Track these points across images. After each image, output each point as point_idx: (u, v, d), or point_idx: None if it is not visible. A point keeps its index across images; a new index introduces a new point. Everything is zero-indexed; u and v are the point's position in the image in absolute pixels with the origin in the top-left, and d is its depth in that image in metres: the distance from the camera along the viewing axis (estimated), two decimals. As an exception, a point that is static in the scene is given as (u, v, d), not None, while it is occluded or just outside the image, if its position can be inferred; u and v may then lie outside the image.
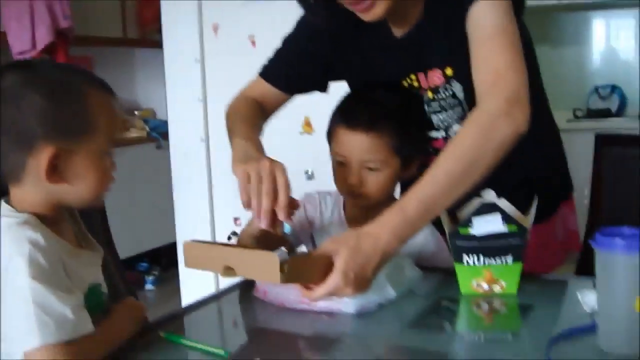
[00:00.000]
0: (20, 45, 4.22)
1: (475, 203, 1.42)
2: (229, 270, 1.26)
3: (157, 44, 3.84)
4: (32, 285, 1.08)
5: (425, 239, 1.64)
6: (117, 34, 5.30)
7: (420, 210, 1.32)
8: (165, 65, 3.55)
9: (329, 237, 1.41)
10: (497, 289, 1.42)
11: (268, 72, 1.88)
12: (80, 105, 1.18)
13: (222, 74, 3.38)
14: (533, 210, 1.46)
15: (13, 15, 4.22)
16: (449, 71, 1.62)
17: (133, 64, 5.67)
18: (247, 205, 1.41)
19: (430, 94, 1.67)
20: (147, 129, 5.13)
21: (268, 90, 1.86)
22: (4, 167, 1.20)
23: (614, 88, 5.27)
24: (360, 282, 1.28)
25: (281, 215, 1.38)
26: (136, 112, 5.31)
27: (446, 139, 1.69)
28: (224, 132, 3.38)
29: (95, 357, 1.14)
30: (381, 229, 1.31)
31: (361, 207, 1.69)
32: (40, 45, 4.26)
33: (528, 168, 1.72)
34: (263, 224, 1.38)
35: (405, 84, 1.70)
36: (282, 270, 1.19)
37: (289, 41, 1.86)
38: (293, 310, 1.40)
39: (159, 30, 3.73)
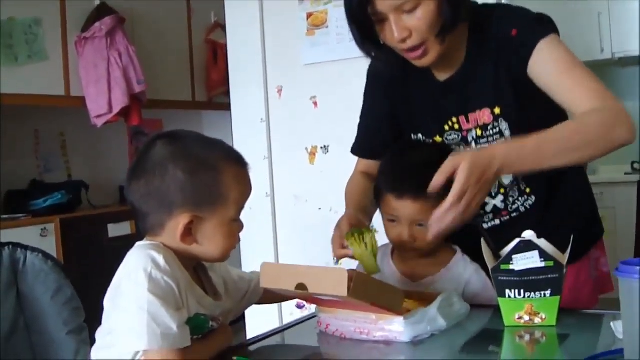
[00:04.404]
0: (97, 109, 4.48)
1: (515, 241, 1.56)
2: (301, 287, 1.43)
3: (223, 107, 4.04)
4: (149, 297, 1.29)
5: (470, 277, 1.79)
6: (187, 97, 5.57)
7: (534, 149, 1.55)
8: (233, 125, 3.74)
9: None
10: (537, 320, 1.55)
11: (356, 148, 2.08)
12: (214, 180, 1.39)
13: (285, 133, 3.58)
14: (569, 249, 1.59)
15: (91, 80, 4.49)
16: (497, 110, 1.78)
17: (201, 126, 5.93)
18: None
19: (479, 131, 1.81)
20: (215, 187, 5.35)
21: (367, 162, 2.04)
22: (148, 224, 1.42)
23: (671, 140, 5.30)
24: (483, 186, 1.50)
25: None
26: (205, 172, 5.53)
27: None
28: (288, 187, 3.58)
29: None
30: (496, 148, 1.58)
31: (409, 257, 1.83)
32: (116, 109, 4.51)
33: (564, 212, 1.85)
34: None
35: (447, 127, 1.85)
36: (349, 285, 1.36)
37: (361, 115, 2.06)
38: (353, 340, 1.54)
39: (226, 94, 3.92)
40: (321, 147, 3.43)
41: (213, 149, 1.44)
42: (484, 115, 1.80)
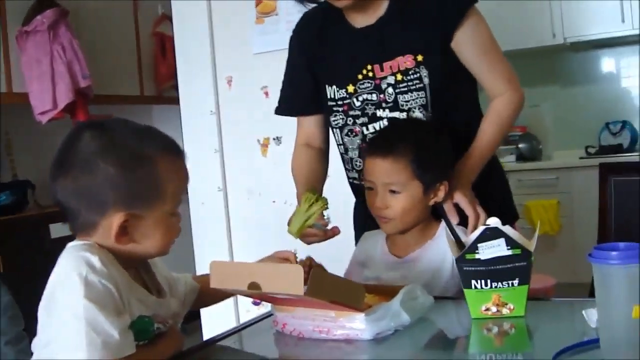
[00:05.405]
0: (41, 105, 4.30)
1: (480, 229, 1.49)
2: (254, 287, 1.33)
3: (173, 100, 3.92)
4: (85, 304, 1.17)
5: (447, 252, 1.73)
6: (135, 92, 5.41)
7: (481, 157, 1.89)
8: (182, 118, 3.62)
9: (374, 266, 1.83)
10: (505, 311, 1.47)
11: (280, 108, 2.18)
12: (150, 174, 1.28)
13: (236, 124, 3.47)
14: (536, 235, 1.52)
15: (34, 76, 4.32)
16: (419, 57, 1.89)
17: (151, 120, 5.75)
18: None
19: (399, 76, 1.91)
20: (166, 183, 5.22)
21: (303, 124, 2.15)
22: (78, 224, 1.30)
23: (624, 124, 5.32)
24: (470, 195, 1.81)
25: None
26: (155, 167, 5.39)
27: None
28: (240, 181, 3.49)
29: None
30: (462, 171, 1.85)
31: (396, 233, 1.85)
32: (61, 105, 4.32)
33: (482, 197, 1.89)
34: None
35: (360, 76, 1.95)
36: (305, 282, 1.27)
37: (283, 80, 2.19)
38: (312, 340, 1.45)
39: (175, 87, 3.81)
40: (273, 139, 3.34)
41: (146, 139, 1.32)
42: (407, 61, 1.90)
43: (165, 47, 5.42)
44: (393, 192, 1.78)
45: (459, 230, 1.69)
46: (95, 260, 1.22)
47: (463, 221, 1.80)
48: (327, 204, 1.81)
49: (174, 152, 1.34)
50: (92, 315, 1.17)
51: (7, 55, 4.33)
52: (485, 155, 1.91)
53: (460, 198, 1.79)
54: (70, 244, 1.29)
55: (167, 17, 5.15)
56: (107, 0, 5.09)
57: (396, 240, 1.86)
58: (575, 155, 5.35)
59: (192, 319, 4.65)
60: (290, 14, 3.20)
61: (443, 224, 1.80)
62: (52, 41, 4.35)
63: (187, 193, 3.70)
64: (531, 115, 5.44)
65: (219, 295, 1.65)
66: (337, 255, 1.92)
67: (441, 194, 1.81)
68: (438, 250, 1.79)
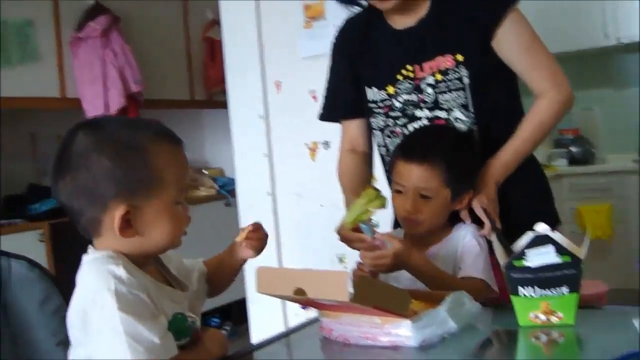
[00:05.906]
0: (94, 110, 4.39)
1: (529, 235, 1.47)
2: (300, 293, 1.33)
3: (223, 105, 3.96)
4: (121, 317, 1.18)
5: (465, 236, 1.81)
6: (185, 96, 5.47)
7: (513, 157, 1.88)
8: (231, 123, 3.66)
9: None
10: (554, 320, 1.45)
11: (324, 114, 2.19)
12: (144, 162, 1.27)
13: (285, 128, 3.49)
14: (587, 242, 1.50)
15: (86, 81, 4.40)
16: (459, 57, 1.89)
17: (201, 125, 5.83)
18: None
19: (439, 76, 1.91)
20: (216, 187, 5.26)
21: (347, 129, 2.16)
22: (84, 223, 1.30)
23: (678, 127, 5.21)
24: (490, 201, 1.81)
25: None
26: (205, 171, 5.44)
27: (447, 120, 1.93)
28: (289, 185, 3.50)
29: None
30: (492, 173, 1.86)
31: (415, 235, 1.84)
32: (112, 110, 4.41)
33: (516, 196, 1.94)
34: None
35: (400, 77, 1.96)
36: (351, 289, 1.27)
37: (326, 86, 2.20)
38: (358, 346, 1.45)
39: (224, 91, 3.85)
40: (322, 143, 3.35)
41: (139, 130, 1.32)
42: (447, 61, 1.91)
43: (214, 51, 5.47)
44: (423, 196, 1.79)
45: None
46: (120, 270, 1.22)
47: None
48: (385, 203, 1.81)
49: (169, 140, 1.33)
50: (130, 326, 1.18)
51: (61, 61, 4.42)
52: (518, 157, 1.89)
53: (475, 205, 1.80)
54: (88, 258, 1.29)
55: (217, 22, 5.21)
56: (158, 7, 5.16)
57: (415, 242, 1.83)
58: (629, 159, 5.25)
59: (241, 322, 4.69)
60: (338, 18, 3.18)
61: (460, 225, 1.85)
62: (104, 47, 4.43)
63: (235, 197, 3.73)
64: (584, 118, 5.37)
65: (225, 280, 1.66)
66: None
67: (465, 202, 1.83)
68: (449, 249, 1.82)
